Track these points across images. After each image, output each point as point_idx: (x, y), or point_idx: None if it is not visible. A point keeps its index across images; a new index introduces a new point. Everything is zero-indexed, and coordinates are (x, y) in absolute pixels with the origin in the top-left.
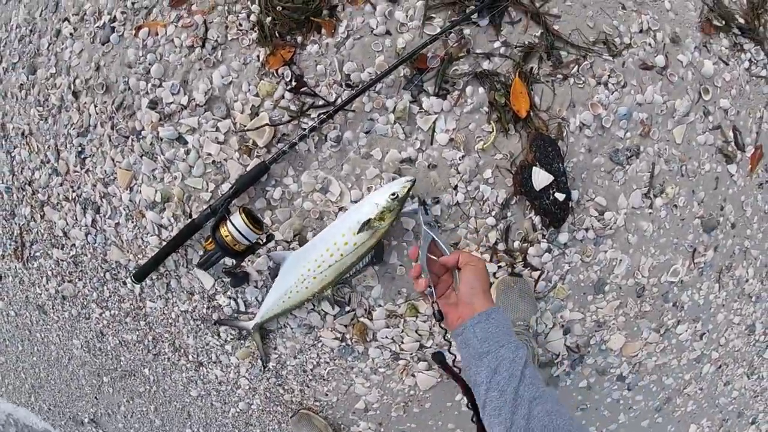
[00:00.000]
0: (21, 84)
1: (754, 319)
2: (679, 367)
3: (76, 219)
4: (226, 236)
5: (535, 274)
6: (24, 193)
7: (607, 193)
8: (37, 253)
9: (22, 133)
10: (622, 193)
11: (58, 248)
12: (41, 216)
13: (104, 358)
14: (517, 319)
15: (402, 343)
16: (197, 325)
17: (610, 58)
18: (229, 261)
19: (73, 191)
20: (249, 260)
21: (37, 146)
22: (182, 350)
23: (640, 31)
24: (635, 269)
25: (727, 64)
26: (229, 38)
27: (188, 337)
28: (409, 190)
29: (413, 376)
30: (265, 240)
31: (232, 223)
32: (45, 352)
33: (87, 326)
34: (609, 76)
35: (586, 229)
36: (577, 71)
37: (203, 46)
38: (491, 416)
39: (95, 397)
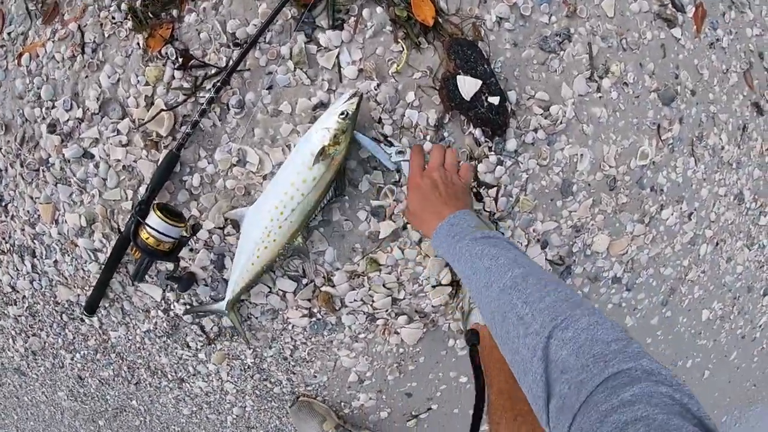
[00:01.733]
0: None
1: (740, 186)
2: (674, 254)
3: (17, 269)
4: (148, 239)
5: (492, 192)
6: None
7: (548, 86)
8: None
9: None
10: (563, 82)
11: (11, 305)
12: None
13: (92, 402)
14: None
15: (373, 302)
16: (164, 342)
17: None
18: (165, 266)
19: (6, 242)
20: (189, 259)
21: None
22: (159, 371)
23: None
24: (600, 161)
25: None
26: (106, 35)
27: (160, 356)
28: (358, 105)
29: (396, 333)
30: (191, 232)
31: (147, 224)
32: (38, 413)
33: (65, 374)
34: None
35: (534, 130)
36: None
37: (83, 53)
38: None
39: None
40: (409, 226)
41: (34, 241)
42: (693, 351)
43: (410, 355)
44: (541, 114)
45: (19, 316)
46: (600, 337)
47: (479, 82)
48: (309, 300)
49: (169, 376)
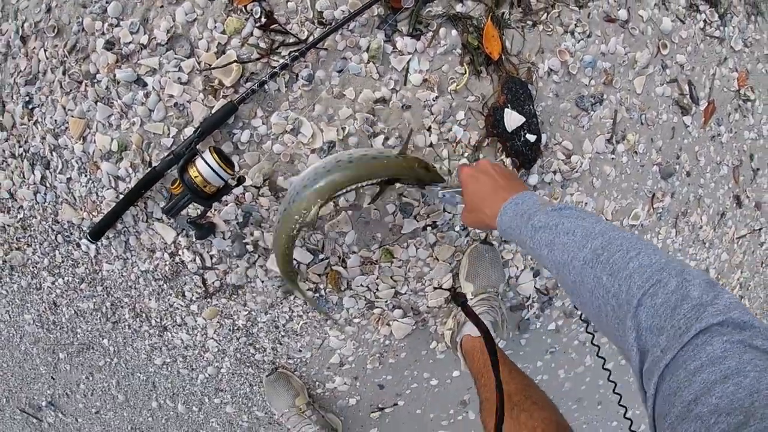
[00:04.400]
0: None
1: (707, 264)
2: None
3: (24, 177)
4: (196, 177)
5: None
6: None
7: (574, 138)
8: None
9: None
10: (587, 138)
11: (3, 212)
12: None
13: (59, 332)
14: (487, 286)
15: (377, 290)
16: (159, 285)
17: (577, 9)
18: (194, 211)
19: (20, 146)
20: (215, 209)
21: None
22: (144, 315)
23: None
24: (599, 212)
25: (683, 22)
26: None
27: (150, 299)
28: None
29: (388, 324)
30: (236, 183)
31: (204, 160)
32: None
33: (39, 298)
34: (575, 26)
35: (554, 172)
36: (546, 18)
37: None
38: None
39: (52, 377)
40: (431, 229)
41: (53, 152)
42: None
43: (394, 349)
44: (563, 160)
45: (8, 226)
46: (690, 294)
47: (523, 119)
48: (319, 275)
49: (153, 322)
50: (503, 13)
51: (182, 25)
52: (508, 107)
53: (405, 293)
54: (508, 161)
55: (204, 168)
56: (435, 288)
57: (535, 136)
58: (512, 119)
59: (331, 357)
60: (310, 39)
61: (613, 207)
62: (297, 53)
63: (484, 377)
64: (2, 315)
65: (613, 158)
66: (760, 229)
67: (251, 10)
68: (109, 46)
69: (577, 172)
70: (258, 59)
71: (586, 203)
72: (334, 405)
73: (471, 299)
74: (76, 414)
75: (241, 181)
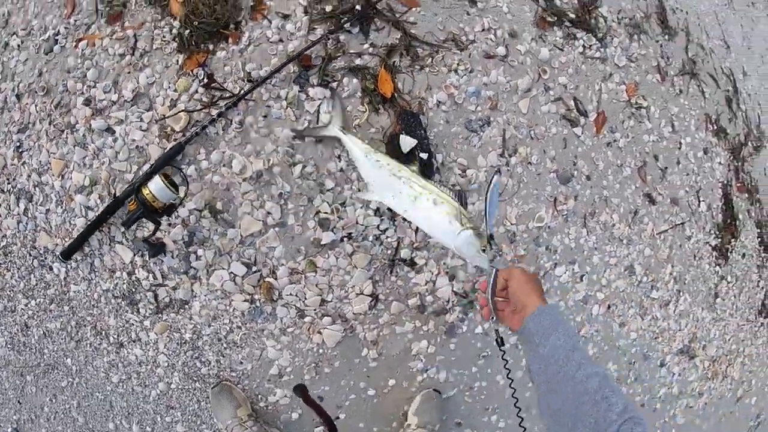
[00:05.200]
0: None
1: (631, 260)
2: (567, 309)
3: (9, 209)
4: (148, 194)
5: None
6: None
7: (467, 155)
8: None
9: None
10: (480, 154)
11: None
12: None
13: (28, 354)
14: (427, 423)
15: (305, 298)
16: (118, 303)
17: (458, 52)
18: (145, 229)
19: (9, 183)
20: (165, 230)
21: None
22: (104, 333)
23: (483, 30)
24: (503, 218)
25: (561, 50)
26: (155, 47)
27: (109, 317)
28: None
29: (319, 333)
30: (179, 201)
31: (155, 181)
32: None
33: (12, 320)
34: (458, 65)
35: (453, 185)
36: (431, 62)
37: (132, 54)
38: None
39: (18, 401)
40: (353, 242)
41: (36, 188)
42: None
43: (328, 358)
44: (460, 174)
45: None
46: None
47: (415, 141)
48: (253, 286)
49: (111, 339)
50: (394, 62)
51: (144, 86)
52: (402, 134)
53: (331, 300)
54: None
55: (154, 186)
56: (358, 294)
57: (427, 154)
58: (406, 142)
59: (271, 368)
60: (241, 92)
61: (515, 212)
62: (231, 104)
63: None
64: None
65: (508, 169)
66: (682, 224)
67: (196, 73)
68: (87, 102)
69: (474, 184)
70: (201, 109)
71: None
72: (278, 420)
73: (412, 427)
74: None
75: (183, 201)
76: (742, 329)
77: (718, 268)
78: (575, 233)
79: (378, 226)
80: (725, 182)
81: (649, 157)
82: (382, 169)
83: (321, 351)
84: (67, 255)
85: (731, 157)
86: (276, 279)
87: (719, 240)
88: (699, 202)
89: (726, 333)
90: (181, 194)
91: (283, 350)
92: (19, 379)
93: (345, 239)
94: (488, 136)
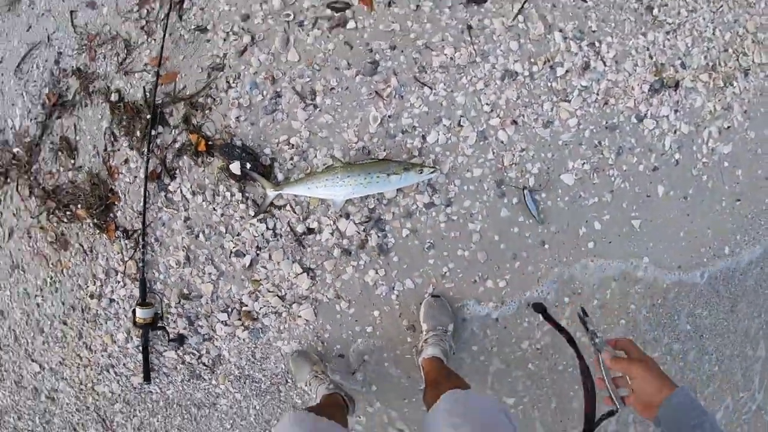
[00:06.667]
0: None
1: (501, 68)
2: (472, 157)
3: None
4: (139, 319)
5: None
6: None
7: (284, 130)
8: None
9: None
10: (291, 121)
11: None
12: None
13: None
14: (437, 326)
15: (270, 304)
16: (192, 381)
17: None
18: (164, 342)
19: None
20: (175, 327)
21: None
22: (197, 404)
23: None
24: (348, 143)
25: None
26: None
27: (195, 392)
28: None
29: (299, 316)
30: (160, 312)
31: (138, 311)
32: None
33: None
34: (228, 82)
35: (291, 158)
36: (210, 103)
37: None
38: None
39: None
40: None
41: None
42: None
43: (320, 328)
44: (288, 148)
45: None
46: None
47: (238, 163)
48: (239, 319)
49: (207, 402)
50: (194, 124)
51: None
52: (231, 163)
53: (285, 293)
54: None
55: (138, 312)
56: (296, 276)
57: (249, 163)
58: (234, 167)
59: (289, 360)
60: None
61: (352, 131)
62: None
63: (431, 386)
64: None
65: (319, 110)
66: None
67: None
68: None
69: (305, 144)
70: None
71: (333, 148)
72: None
73: (424, 334)
74: None
75: (162, 315)
76: (720, 7)
77: None
78: (418, 98)
79: (267, 227)
80: None
81: None
82: (325, 188)
83: (311, 327)
84: (146, 378)
85: None
86: (246, 306)
87: None
88: None
89: (700, 29)
90: (158, 307)
91: (290, 342)
92: None
93: (258, 252)
94: (288, 102)
